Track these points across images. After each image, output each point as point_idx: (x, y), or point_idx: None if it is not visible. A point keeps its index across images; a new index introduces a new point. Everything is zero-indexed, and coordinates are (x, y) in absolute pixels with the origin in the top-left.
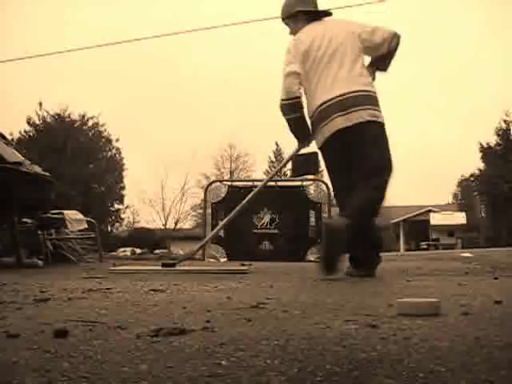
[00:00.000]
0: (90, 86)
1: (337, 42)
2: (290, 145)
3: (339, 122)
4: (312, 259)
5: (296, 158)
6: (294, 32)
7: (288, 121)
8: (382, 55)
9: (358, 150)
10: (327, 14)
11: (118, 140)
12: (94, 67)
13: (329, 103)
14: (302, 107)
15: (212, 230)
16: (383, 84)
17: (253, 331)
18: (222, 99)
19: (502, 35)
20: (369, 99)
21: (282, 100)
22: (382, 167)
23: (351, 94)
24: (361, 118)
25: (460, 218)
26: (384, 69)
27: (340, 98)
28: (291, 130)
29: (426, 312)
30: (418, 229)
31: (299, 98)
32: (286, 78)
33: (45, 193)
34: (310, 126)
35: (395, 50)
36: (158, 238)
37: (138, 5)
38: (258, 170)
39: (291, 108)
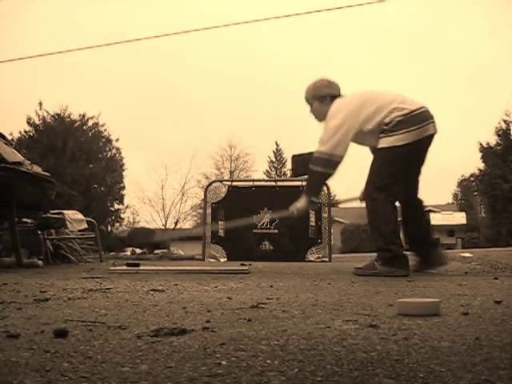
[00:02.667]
0: (90, 86)
1: (383, 94)
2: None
3: (432, 127)
4: (312, 259)
5: (296, 158)
6: (317, 112)
7: (319, 174)
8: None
9: (424, 159)
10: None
11: (117, 140)
12: (94, 67)
13: (420, 111)
14: (337, 168)
15: (212, 230)
16: (384, 83)
17: (253, 331)
18: (222, 99)
19: (504, 34)
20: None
21: (327, 154)
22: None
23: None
24: (436, 129)
25: (460, 218)
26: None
27: (426, 109)
28: (312, 183)
29: (426, 312)
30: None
31: (342, 158)
32: (339, 135)
33: (45, 193)
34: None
35: None
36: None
37: (139, 5)
38: (258, 170)
39: (331, 164)
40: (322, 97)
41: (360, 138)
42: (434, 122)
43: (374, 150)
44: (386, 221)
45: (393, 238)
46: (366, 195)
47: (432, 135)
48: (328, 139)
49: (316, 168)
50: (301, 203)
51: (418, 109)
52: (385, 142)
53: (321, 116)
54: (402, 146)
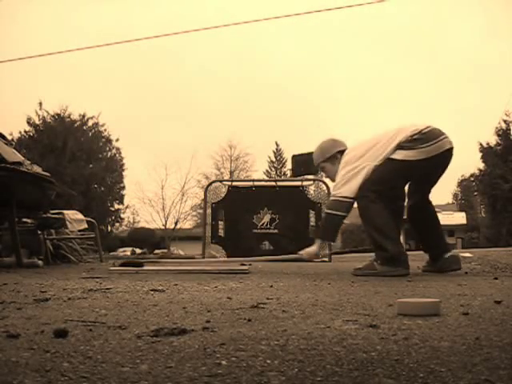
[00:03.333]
0: (90, 86)
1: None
2: (289, 145)
3: (448, 142)
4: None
5: (296, 158)
6: (330, 171)
7: (340, 217)
8: None
9: (440, 174)
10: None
11: (117, 140)
12: (94, 67)
13: (430, 129)
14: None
15: (212, 230)
16: (384, 83)
17: (253, 331)
18: (222, 99)
19: (504, 34)
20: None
21: (344, 197)
22: None
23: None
24: (452, 144)
25: (460, 218)
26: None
27: (436, 127)
28: (331, 227)
29: (426, 312)
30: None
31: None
32: (356, 179)
33: (45, 193)
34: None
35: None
36: (158, 238)
37: (139, 5)
38: (258, 170)
39: (347, 207)
40: (331, 157)
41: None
42: (447, 137)
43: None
44: (379, 216)
45: (390, 236)
46: (360, 193)
47: (449, 150)
48: (345, 183)
49: (336, 212)
50: (314, 248)
51: (427, 127)
52: (399, 155)
53: (334, 177)
54: (415, 161)
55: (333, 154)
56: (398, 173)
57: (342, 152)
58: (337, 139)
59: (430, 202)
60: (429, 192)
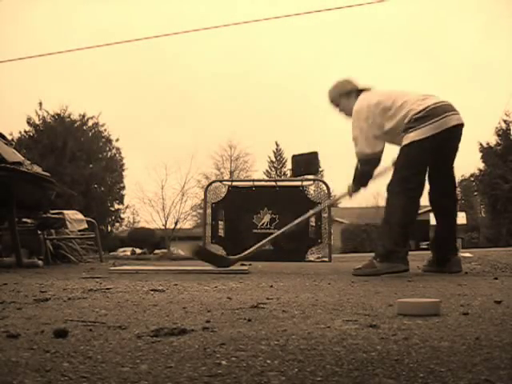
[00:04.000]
0: (90, 86)
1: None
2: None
3: (456, 118)
4: (312, 259)
5: (296, 158)
6: (347, 108)
7: (365, 171)
8: None
9: (453, 151)
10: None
11: (117, 140)
12: (94, 67)
13: (437, 105)
14: (376, 163)
15: (212, 230)
16: (384, 83)
17: (253, 331)
18: (222, 99)
19: (504, 34)
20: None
21: (367, 154)
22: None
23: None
24: (462, 120)
25: (460, 218)
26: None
27: (447, 103)
28: (361, 178)
29: (426, 312)
30: (418, 229)
31: (377, 152)
32: (370, 139)
33: (45, 193)
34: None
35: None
36: (158, 238)
37: (139, 5)
38: (258, 170)
39: (373, 162)
40: (347, 93)
41: (384, 137)
42: (456, 113)
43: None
44: (394, 213)
45: (394, 233)
46: (386, 189)
47: (456, 126)
48: (359, 141)
49: (366, 167)
50: (345, 192)
51: (434, 103)
52: (406, 140)
53: (351, 112)
54: (421, 140)
55: (349, 91)
56: (411, 157)
57: (358, 91)
58: (350, 79)
59: (454, 188)
60: (449, 175)
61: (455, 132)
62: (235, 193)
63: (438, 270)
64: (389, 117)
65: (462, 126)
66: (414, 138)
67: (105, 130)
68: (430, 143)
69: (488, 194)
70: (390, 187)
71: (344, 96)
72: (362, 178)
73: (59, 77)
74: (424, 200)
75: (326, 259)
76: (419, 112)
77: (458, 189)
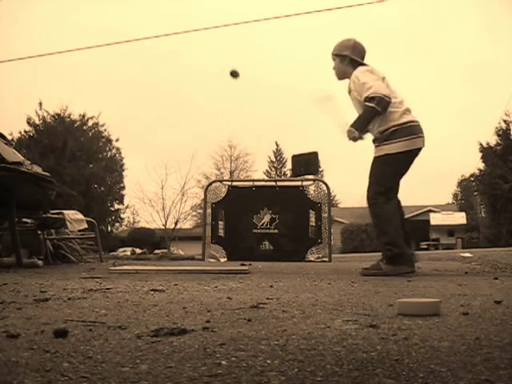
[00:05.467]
0: (90, 86)
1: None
2: (290, 145)
3: (420, 143)
4: (312, 259)
5: (296, 158)
6: (337, 68)
7: (374, 112)
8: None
9: (407, 169)
10: (365, 64)
11: (117, 140)
12: (94, 67)
13: (413, 124)
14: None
15: (212, 230)
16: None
17: (253, 331)
18: (222, 99)
19: (504, 34)
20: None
21: (385, 94)
22: None
23: (419, 124)
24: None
25: (460, 218)
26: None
27: (418, 124)
28: (367, 119)
29: (426, 312)
30: (418, 229)
31: (390, 97)
32: (376, 83)
33: (45, 193)
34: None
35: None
36: (158, 238)
37: (139, 5)
38: (258, 170)
39: (386, 105)
40: (342, 56)
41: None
42: (423, 137)
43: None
44: (387, 222)
45: (395, 238)
46: (367, 200)
47: (419, 149)
48: (371, 86)
49: (379, 108)
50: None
51: (411, 121)
52: (380, 151)
53: (339, 74)
54: (395, 154)
55: (344, 56)
56: (385, 169)
57: (353, 60)
58: (358, 46)
59: (399, 202)
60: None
61: (417, 153)
62: (235, 193)
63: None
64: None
65: (421, 149)
66: (388, 152)
67: (105, 130)
68: (399, 158)
69: (488, 194)
70: (373, 200)
71: (339, 57)
72: (367, 121)
73: (59, 77)
74: (424, 200)
75: (326, 259)
76: (398, 125)
77: (458, 189)
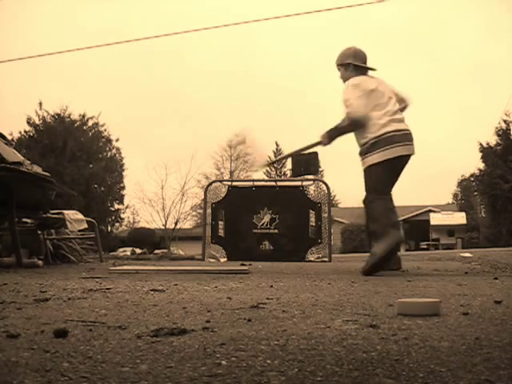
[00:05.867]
0: (90, 86)
1: (388, 92)
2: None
3: (404, 150)
4: (312, 259)
5: (296, 158)
6: (342, 77)
7: (350, 128)
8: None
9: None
10: (371, 69)
11: (117, 140)
12: (94, 67)
13: (392, 134)
14: (359, 124)
15: (212, 230)
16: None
17: (253, 331)
18: (222, 99)
19: (504, 34)
20: (410, 137)
21: (361, 117)
22: None
23: (405, 132)
24: (411, 151)
25: (460, 218)
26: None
27: (403, 133)
28: (341, 132)
29: (426, 312)
30: (418, 229)
31: (364, 116)
32: (359, 102)
33: (45, 193)
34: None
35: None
36: (158, 238)
37: (139, 5)
38: (258, 170)
39: (360, 124)
40: (346, 65)
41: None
42: (408, 144)
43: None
44: (377, 214)
45: (383, 222)
46: (364, 204)
47: (403, 156)
48: (350, 104)
49: (353, 124)
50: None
51: (392, 131)
52: (364, 164)
53: (344, 81)
54: (376, 164)
55: (347, 63)
56: (374, 179)
57: (356, 66)
58: (358, 52)
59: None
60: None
61: (404, 161)
62: (235, 193)
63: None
64: (371, 107)
65: (408, 156)
66: (372, 162)
67: (105, 130)
68: (385, 166)
69: (488, 194)
70: (364, 206)
71: (343, 66)
72: (341, 134)
73: (59, 77)
74: (424, 200)
75: (326, 259)
76: (376, 138)
77: (458, 189)
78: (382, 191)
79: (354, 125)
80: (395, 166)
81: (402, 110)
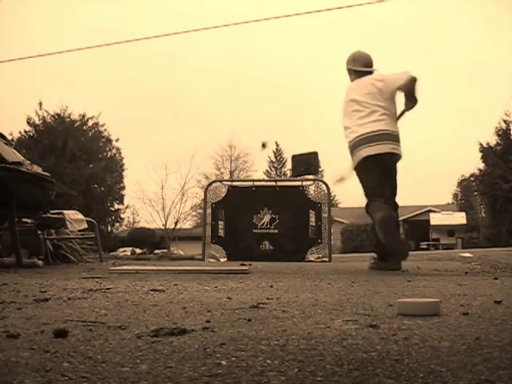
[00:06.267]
0: (90, 86)
1: (371, 94)
2: (290, 145)
3: (385, 148)
4: (312, 259)
5: (296, 158)
6: (351, 80)
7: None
8: (405, 96)
9: (389, 171)
10: (371, 72)
11: (117, 140)
12: (94, 67)
13: (374, 134)
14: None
15: (212, 230)
16: None
17: (253, 331)
18: (222, 99)
19: (504, 34)
20: (390, 137)
21: (346, 128)
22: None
23: (379, 132)
24: (386, 150)
25: (460, 218)
26: (410, 107)
27: (378, 133)
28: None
29: (426, 312)
30: (418, 229)
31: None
32: (343, 118)
33: (45, 193)
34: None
35: (412, 90)
36: (158, 238)
37: (139, 5)
38: (258, 170)
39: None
40: (348, 71)
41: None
42: (387, 143)
43: None
44: (374, 222)
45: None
46: (365, 205)
47: (382, 154)
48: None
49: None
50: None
51: (367, 133)
52: (354, 163)
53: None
54: (358, 163)
55: (348, 70)
56: (363, 176)
57: (356, 71)
58: (357, 57)
59: (393, 197)
60: (392, 190)
61: (389, 158)
62: (235, 193)
63: (384, 267)
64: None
65: (392, 154)
66: (357, 161)
67: (105, 130)
68: (369, 162)
69: (488, 194)
70: (367, 203)
71: (348, 72)
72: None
73: (59, 77)
74: (424, 200)
75: (326, 259)
76: (358, 136)
77: (458, 189)
78: (371, 190)
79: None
80: (376, 163)
81: (409, 88)
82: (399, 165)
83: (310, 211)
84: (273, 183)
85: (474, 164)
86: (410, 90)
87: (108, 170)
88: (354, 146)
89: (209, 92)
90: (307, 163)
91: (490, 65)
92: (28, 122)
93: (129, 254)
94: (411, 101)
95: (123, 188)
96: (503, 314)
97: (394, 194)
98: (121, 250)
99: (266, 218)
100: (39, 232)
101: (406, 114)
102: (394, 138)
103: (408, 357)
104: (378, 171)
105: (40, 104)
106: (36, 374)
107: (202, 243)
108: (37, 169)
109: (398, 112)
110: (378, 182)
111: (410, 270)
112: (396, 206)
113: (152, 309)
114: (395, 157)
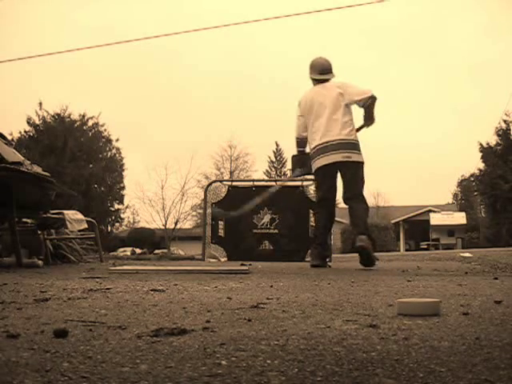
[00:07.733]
0: (90, 86)
1: (327, 101)
2: (290, 145)
3: (338, 157)
4: None
5: (295, 158)
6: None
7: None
8: (364, 113)
9: (348, 175)
10: (327, 80)
11: (117, 140)
12: (94, 67)
13: (328, 144)
14: (300, 146)
15: (212, 230)
16: (384, 83)
17: (253, 331)
18: (222, 99)
19: (504, 34)
20: (346, 145)
21: (297, 138)
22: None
23: (333, 142)
24: (339, 158)
25: (460, 218)
26: (368, 124)
27: (330, 144)
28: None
29: (426, 312)
30: (418, 229)
31: (302, 137)
32: (297, 123)
33: (45, 193)
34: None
35: (371, 108)
36: (158, 238)
37: (139, 4)
38: (258, 170)
39: (299, 144)
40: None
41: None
42: (342, 152)
43: None
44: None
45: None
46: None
47: (330, 164)
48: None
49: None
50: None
51: (318, 145)
52: (313, 168)
53: None
54: (317, 169)
55: (310, 78)
56: (318, 180)
57: (314, 80)
58: (314, 65)
59: (358, 194)
60: (352, 189)
61: (341, 166)
62: (235, 193)
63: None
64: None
65: (344, 162)
66: (315, 167)
67: (105, 130)
68: (323, 170)
69: (488, 194)
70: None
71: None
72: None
73: (59, 77)
74: (424, 200)
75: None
76: (318, 145)
77: (458, 189)
78: (320, 197)
79: (296, 147)
80: (324, 173)
81: (368, 105)
82: (399, 164)
83: (310, 211)
84: (273, 183)
85: (473, 164)
86: (369, 107)
87: (108, 169)
88: (311, 157)
89: (209, 92)
90: (307, 163)
91: (489, 65)
92: (28, 122)
93: (129, 254)
94: (370, 120)
95: (123, 188)
96: (503, 314)
97: (358, 192)
98: (121, 250)
99: (266, 218)
100: (39, 232)
101: (367, 128)
102: (348, 146)
103: (408, 357)
104: (327, 180)
105: (40, 104)
106: (36, 374)
107: (201, 243)
108: (37, 169)
109: (356, 124)
110: (327, 189)
111: (409, 269)
112: (364, 199)
113: (152, 309)
114: (351, 164)
